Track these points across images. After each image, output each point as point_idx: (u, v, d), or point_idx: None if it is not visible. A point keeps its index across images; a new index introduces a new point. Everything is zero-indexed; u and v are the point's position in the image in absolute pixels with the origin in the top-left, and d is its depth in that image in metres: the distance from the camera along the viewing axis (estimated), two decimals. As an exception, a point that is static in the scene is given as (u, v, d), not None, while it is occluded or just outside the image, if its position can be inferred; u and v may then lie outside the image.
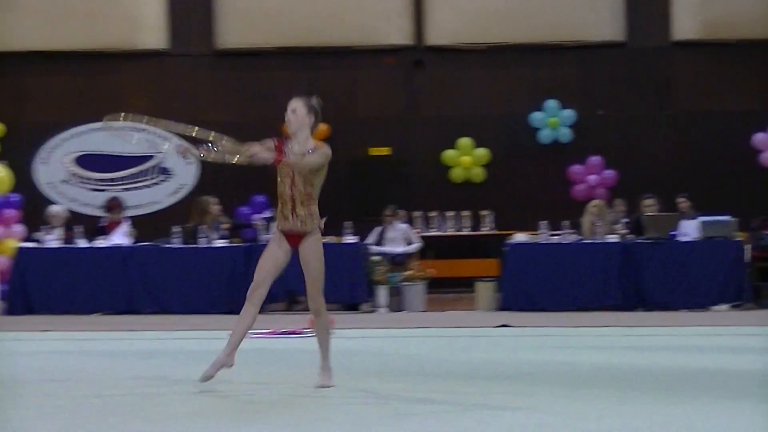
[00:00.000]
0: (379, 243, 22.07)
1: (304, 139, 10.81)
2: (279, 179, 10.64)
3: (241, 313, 10.85)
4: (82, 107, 26.06)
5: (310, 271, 10.74)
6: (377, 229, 22.08)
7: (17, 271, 20.87)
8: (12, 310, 20.53)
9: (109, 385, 10.91)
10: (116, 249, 20.91)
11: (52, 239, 21.19)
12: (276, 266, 10.74)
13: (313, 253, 10.65)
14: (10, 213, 23.21)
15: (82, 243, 21.03)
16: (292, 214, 10.61)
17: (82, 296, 20.39)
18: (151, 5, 26.47)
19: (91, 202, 25.04)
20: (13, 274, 20.97)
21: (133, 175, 26.18)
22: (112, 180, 25.96)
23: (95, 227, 21.59)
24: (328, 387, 10.66)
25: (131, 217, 22.50)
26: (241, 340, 10.88)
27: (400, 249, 21.98)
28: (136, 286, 20.57)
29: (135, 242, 21.18)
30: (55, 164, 26.32)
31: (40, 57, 26.19)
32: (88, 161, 26.25)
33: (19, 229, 22.95)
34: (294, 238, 10.67)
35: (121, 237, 21.24)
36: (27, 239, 21.89)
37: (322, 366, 10.83)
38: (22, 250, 21.12)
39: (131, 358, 14.59)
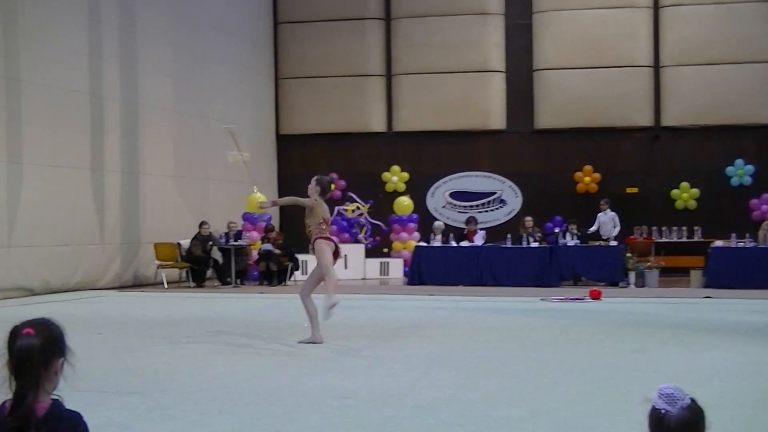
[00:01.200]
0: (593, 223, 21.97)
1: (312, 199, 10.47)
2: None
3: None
4: (453, 164, 26.49)
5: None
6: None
7: (414, 259, 21.42)
8: (410, 282, 21.14)
9: (468, 327, 11.31)
10: (473, 247, 21.21)
11: (435, 241, 21.79)
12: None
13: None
14: (412, 225, 24.15)
15: (453, 243, 21.50)
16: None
17: (452, 274, 20.73)
18: (496, 100, 26.51)
19: (458, 220, 25.43)
20: (412, 261, 21.57)
21: (483, 204, 26.39)
22: (471, 207, 26.13)
23: (461, 234, 22.00)
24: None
25: (482, 228, 22.76)
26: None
27: (607, 230, 21.76)
28: (483, 269, 20.86)
29: (484, 243, 21.49)
30: (438, 197, 26.81)
31: (428, 134, 26.73)
32: (457, 195, 26.64)
33: (416, 235, 23.75)
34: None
35: (477, 240, 21.60)
36: (421, 240, 22.55)
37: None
38: (417, 247, 21.66)
39: (481, 312, 14.96)
